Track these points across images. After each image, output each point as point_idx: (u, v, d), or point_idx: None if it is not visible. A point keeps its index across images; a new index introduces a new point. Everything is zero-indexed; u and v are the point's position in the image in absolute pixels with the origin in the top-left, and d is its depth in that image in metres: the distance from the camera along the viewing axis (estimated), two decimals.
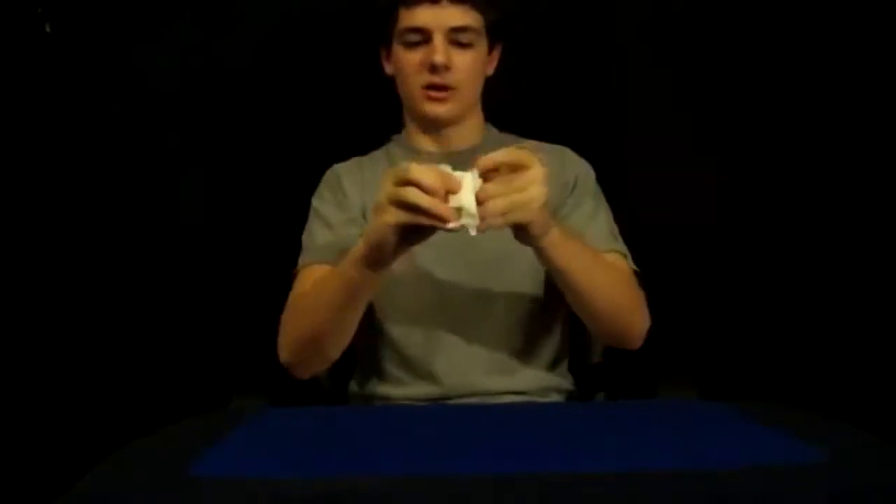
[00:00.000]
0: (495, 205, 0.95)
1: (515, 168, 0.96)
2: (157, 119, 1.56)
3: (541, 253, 1.06)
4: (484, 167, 0.96)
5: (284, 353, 1.18)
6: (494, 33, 1.26)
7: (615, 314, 1.16)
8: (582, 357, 1.37)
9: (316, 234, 1.26)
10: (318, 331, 1.13)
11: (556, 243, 1.05)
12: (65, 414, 1.55)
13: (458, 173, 0.95)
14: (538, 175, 0.96)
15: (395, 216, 0.95)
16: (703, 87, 1.57)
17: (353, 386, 1.31)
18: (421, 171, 0.93)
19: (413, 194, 0.93)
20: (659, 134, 1.56)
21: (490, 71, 1.30)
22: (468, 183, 0.95)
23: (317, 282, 1.16)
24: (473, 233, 0.95)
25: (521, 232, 1.01)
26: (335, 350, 1.16)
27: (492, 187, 0.95)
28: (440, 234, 1.15)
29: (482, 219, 0.95)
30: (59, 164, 1.54)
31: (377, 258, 1.02)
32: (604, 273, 1.14)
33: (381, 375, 1.25)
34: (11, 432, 1.54)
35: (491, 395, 1.20)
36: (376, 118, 1.40)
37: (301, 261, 1.25)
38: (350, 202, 1.27)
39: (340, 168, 1.32)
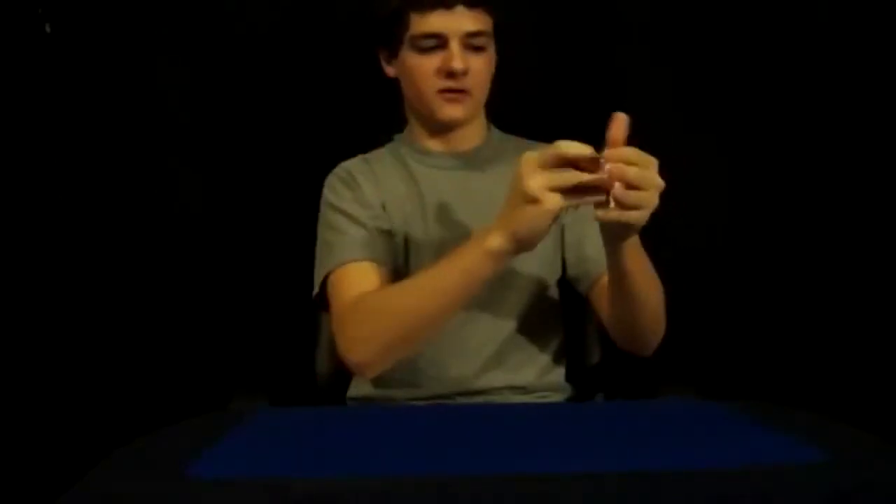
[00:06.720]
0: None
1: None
2: (156, 119, 1.56)
3: (619, 251, 1.03)
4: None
5: (362, 354, 1.13)
6: (499, 35, 1.26)
7: (653, 321, 1.15)
8: (581, 357, 1.37)
9: (347, 232, 1.21)
10: (421, 324, 1.09)
11: (635, 244, 1.04)
12: (65, 414, 1.55)
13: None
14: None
15: (558, 201, 0.91)
16: (703, 86, 1.57)
17: (352, 390, 1.31)
18: (574, 146, 0.90)
19: (575, 176, 0.90)
20: (659, 134, 1.55)
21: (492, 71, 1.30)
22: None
23: (415, 277, 1.13)
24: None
25: (624, 228, 0.97)
26: (426, 341, 1.15)
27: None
28: (440, 235, 1.15)
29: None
30: (60, 165, 1.54)
31: (526, 244, 0.98)
32: (654, 279, 1.13)
33: (378, 378, 1.24)
34: (12, 432, 1.54)
35: (492, 390, 1.21)
36: (374, 117, 1.40)
37: (338, 259, 1.20)
38: (368, 198, 1.24)
39: (350, 165, 1.29)
